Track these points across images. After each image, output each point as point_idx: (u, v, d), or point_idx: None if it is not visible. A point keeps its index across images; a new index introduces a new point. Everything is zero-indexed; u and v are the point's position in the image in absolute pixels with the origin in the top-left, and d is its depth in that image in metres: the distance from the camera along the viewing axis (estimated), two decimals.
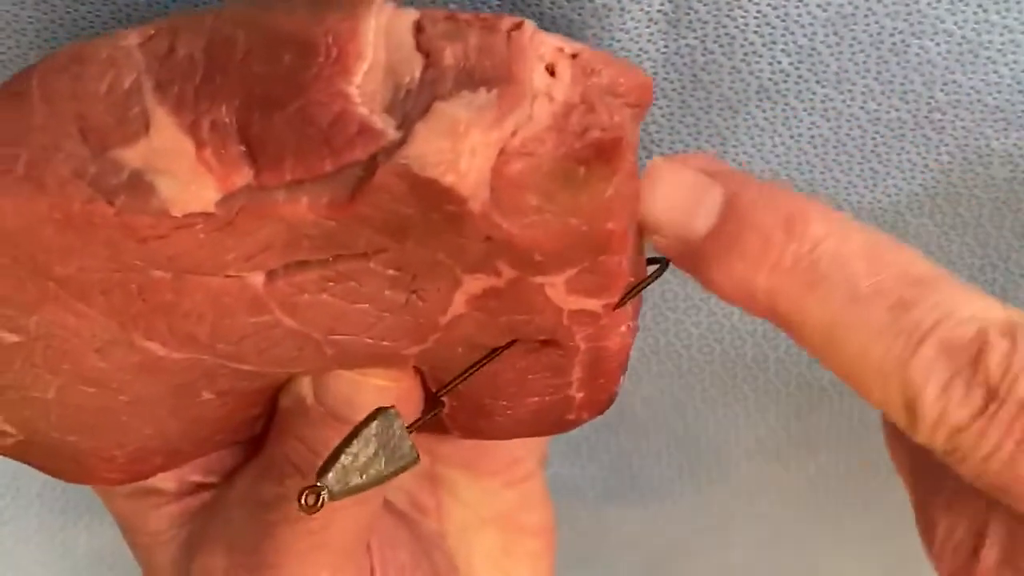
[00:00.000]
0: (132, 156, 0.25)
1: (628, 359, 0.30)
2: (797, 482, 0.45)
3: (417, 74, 0.24)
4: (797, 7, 0.31)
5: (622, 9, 0.31)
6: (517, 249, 0.25)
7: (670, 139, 0.34)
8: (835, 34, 0.32)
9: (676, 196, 0.27)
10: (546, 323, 0.28)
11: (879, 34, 0.32)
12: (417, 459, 0.27)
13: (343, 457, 0.26)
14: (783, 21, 0.31)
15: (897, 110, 0.33)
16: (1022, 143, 0.34)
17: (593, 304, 0.28)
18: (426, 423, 0.32)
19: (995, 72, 0.32)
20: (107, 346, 0.27)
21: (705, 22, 0.31)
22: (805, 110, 0.33)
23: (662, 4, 0.31)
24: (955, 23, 0.32)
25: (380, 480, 0.27)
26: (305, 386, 0.30)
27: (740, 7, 0.31)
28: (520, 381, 0.30)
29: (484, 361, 0.29)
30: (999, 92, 0.33)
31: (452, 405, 0.31)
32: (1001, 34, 0.32)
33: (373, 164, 0.24)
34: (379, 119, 0.24)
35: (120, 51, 0.25)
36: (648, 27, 0.31)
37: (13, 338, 0.27)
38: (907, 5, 0.31)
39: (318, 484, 0.26)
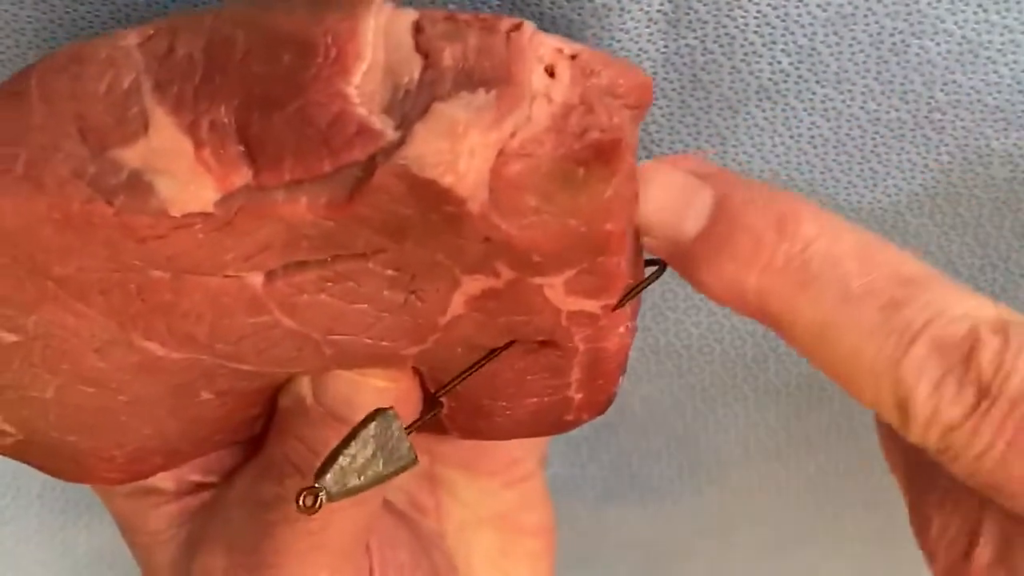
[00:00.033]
0: (131, 156, 0.25)
1: (627, 360, 0.30)
2: (797, 482, 0.45)
3: (416, 75, 0.24)
4: (797, 7, 0.31)
5: (622, 9, 0.31)
6: (516, 250, 0.25)
7: (670, 139, 0.34)
8: (835, 34, 0.32)
9: (666, 198, 0.27)
10: (545, 324, 0.28)
11: (879, 34, 0.32)
12: (415, 460, 0.27)
13: (341, 458, 0.26)
14: (783, 21, 0.31)
15: (897, 110, 0.33)
16: (1022, 143, 0.34)
17: (592, 305, 0.28)
18: (425, 423, 0.32)
19: (995, 72, 0.32)
20: (106, 346, 0.27)
21: (705, 22, 0.31)
22: (805, 110, 0.33)
23: (662, 4, 0.31)
24: (955, 23, 0.32)
25: (378, 481, 0.27)
26: (304, 386, 0.30)
27: (740, 7, 0.31)
28: (519, 382, 0.30)
29: (483, 362, 0.29)
30: (999, 92, 0.33)
31: (451, 406, 0.31)
32: (1001, 34, 0.32)
33: (372, 165, 0.24)
34: (378, 120, 0.24)
35: (119, 51, 0.25)
36: (648, 27, 0.31)
37: (12, 338, 0.27)
38: (907, 5, 0.31)
39: (316, 485, 0.26)
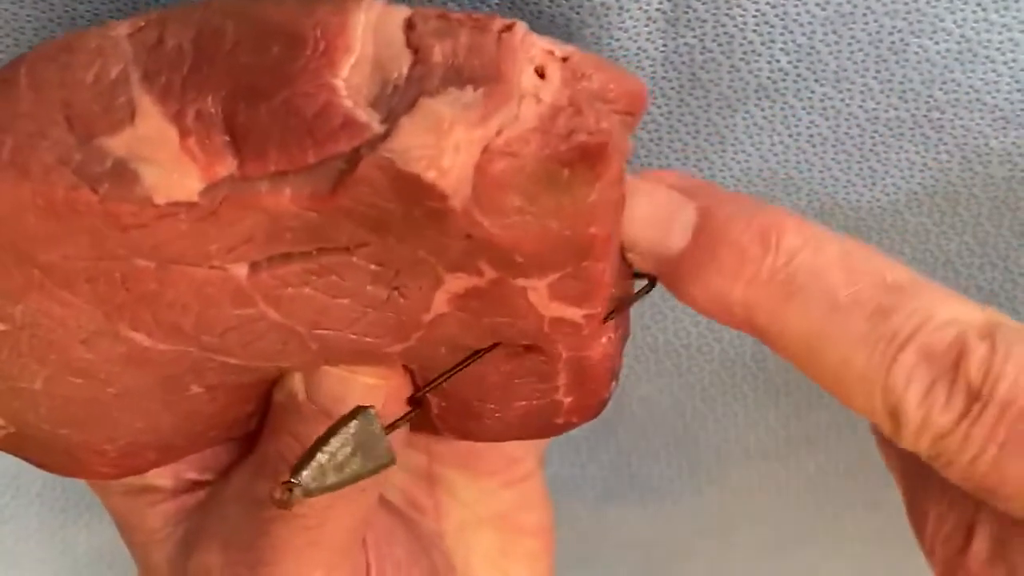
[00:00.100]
0: (117, 144, 0.25)
1: (618, 367, 0.30)
2: (797, 482, 0.45)
3: (405, 70, 0.25)
4: (796, 6, 0.31)
5: (621, 8, 0.31)
6: (498, 249, 0.25)
7: (669, 138, 0.34)
8: (834, 33, 0.32)
9: (651, 214, 0.28)
10: (528, 328, 0.28)
11: (878, 33, 0.32)
12: (394, 460, 0.27)
13: (320, 455, 0.26)
14: (782, 20, 0.31)
15: (896, 109, 0.33)
16: (1021, 142, 0.34)
17: (574, 313, 0.27)
18: (418, 424, 0.32)
19: (994, 71, 0.32)
20: (93, 336, 0.28)
21: (704, 21, 0.31)
22: (804, 109, 0.33)
23: (661, 3, 0.31)
24: (954, 22, 0.32)
25: (356, 479, 0.27)
26: (297, 383, 0.30)
27: (739, 6, 0.31)
28: (506, 384, 0.30)
29: (464, 363, 0.29)
30: (998, 91, 0.33)
31: (441, 406, 0.31)
32: (1000, 33, 0.32)
33: (356, 157, 0.24)
34: (363, 112, 0.24)
35: (109, 41, 0.25)
36: (647, 26, 0.31)
37: None
38: (906, 4, 0.31)
39: (292, 480, 0.26)
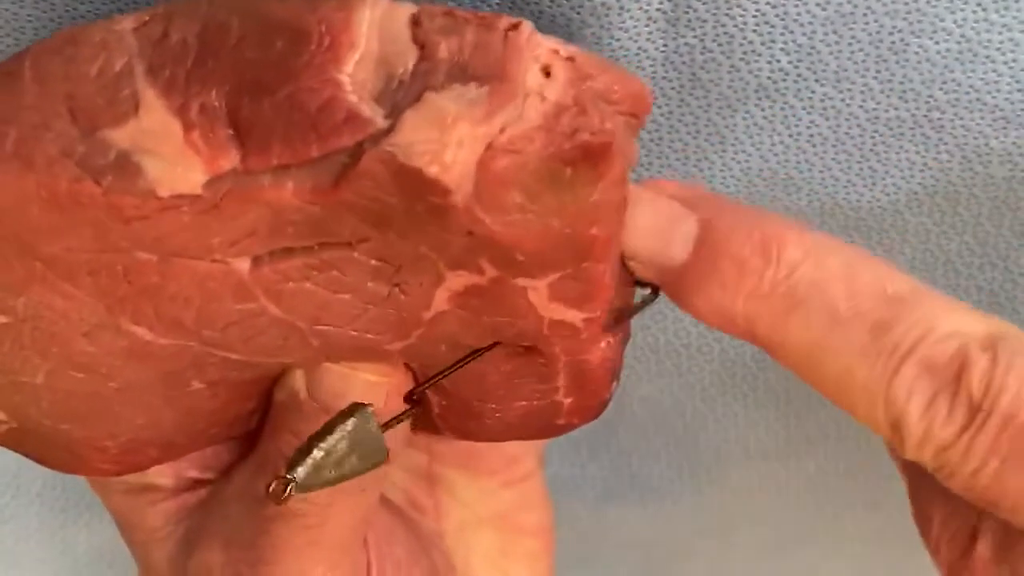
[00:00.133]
0: (120, 137, 0.25)
1: (618, 370, 0.30)
2: (797, 482, 0.45)
3: (410, 66, 0.25)
4: (796, 6, 0.31)
5: (621, 8, 0.31)
6: (499, 246, 0.25)
7: (669, 138, 0.34)
8: (834, 33, 0.32)
9: (652, 225, 0.28)
10: (528, 329, 0.28)
11: (878, 33, 0.32)
12: (388, 458, 0.27)
13: (315, 451, 0.26)
14: (782, 20, 0.31)
15: (896, 109, 0.33)
16: (1021, 142, 0.34)
17: (574, 316, 0.28)
18: (419, 423, 0.32)
19: (994, 71, 0.32)
20: (95, 330, 0.28)
21: (704, 21, 0.31)
22: (804, 109, 0.33)
23: (661, 3, 0.31)
24: (954, 22, 0.32)
25: (350, 476, 0.27)
26: (299, 380, 0.30)
27: (739, 6, 0.31)
28: (507, 385, 0.30)
29: (462, 362, 0.29)
30: (998, 91, 0.33)
31: (441, 405, 0.31)
32: (1000, 33, 0.32)
33: (359, 151, 0.24)
34: (367, 107, 0.24)
35: (113, 35, 0.25)
36: (647, 26, 0.31)
37: (1, 319, 0.27)
38: (906, 4, 0.31)
39: (288, 476, 0.26)
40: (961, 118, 0.33)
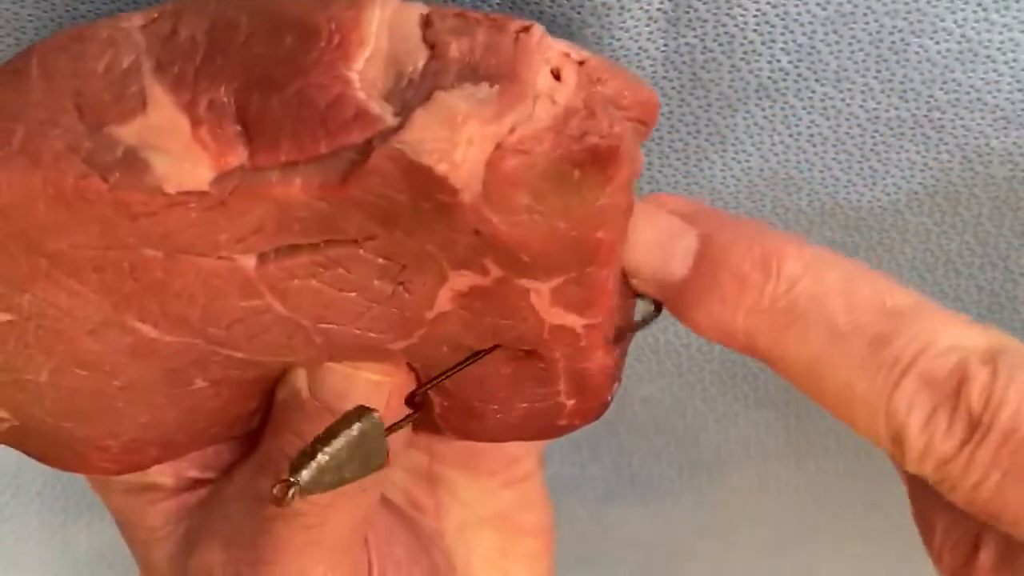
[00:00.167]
0: (128, 133, 0.25)
1: (618, 374, 0.30)
2: (797, 482, 0.45)
3: (420, 65, 0.25)
4: (796, 6, 0.31)
5: (622, 8, 0.31)
6: (504, 246, 0.25)
7: (670, 137, 0.34)
8: (834, 32, 0.32)
9: (652, 240, 0.28)
10: (529, 333, 0.28)
11: (879, 32, 0.32)
12: (388, 462, 0.27)
13: (320, 455, 0.26)
14: (782, 20, 0.31)
15: (896, 109, 0.33)
16: (1022, 142, 0.34)
17: (574, 322, 0.28)
18: (420, 423, 0.32)
19: (995, 71, 0.32)
20: (100, 327, 0.28)
21: (704, 20, 0.31)
22: (804, 108, 0.33)
23: (662, 3, 0.31)
24: (955, 21, 0.32)
25: (351, 480, 0.27)
26: (300, 380, 0.30)
27: (739, 5, 0.31)
28: (508, 386, 0.30)
29: (462, 364, 0.29)
30: (999, 91, 0.33)
31: (443, 405, 0.31)
32: (1001, 33, 0.32)
33: (368, 148, 0.24)
34: (376, 105, 0.24)
35: (120, 32, 0.26)
36: (648, 26, 0.31)
37: (5, 317, 0.27)
38: (907, 4, 0.31)
39: (291, 479, 0.26)
40: (962, 118, 0.33)
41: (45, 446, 0.30)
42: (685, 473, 0.45)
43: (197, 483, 0.33)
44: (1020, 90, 0.33)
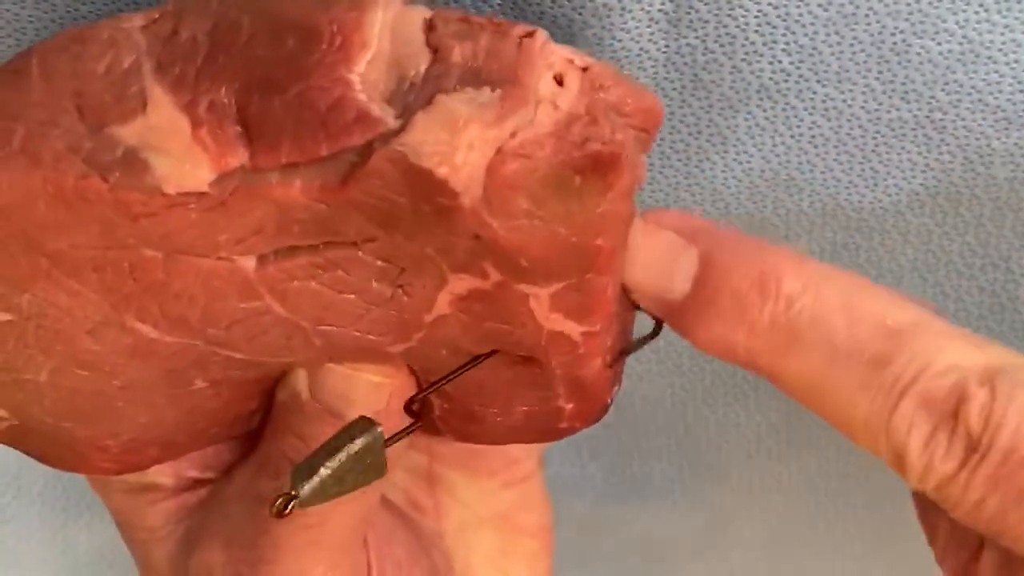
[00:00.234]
0: (128, 133, 0.25)
1: (619, 378, 0.30)
2: (797, 482, 0.45)
3: (423, 68, 0.25)
4: (798, 6, 0.31)
5: (623, 9, 0.31)
6: (504, 251, 0.25)
7: (671, 138, 0.34)
8: (836, 33, 0.32)
9: (652, 259, 0.28)
10: (527, 339, 0.28)
11: (880, 33, 0.32)
12: (386, 473, 0.27)
13: (322, 470, 0.26)
14: (784, 20, 0.31)
15: (898, 109, 0.33)
16: (1023, 143, 0.34)
17: (572, 329, 0.28)
18: (420, 425, 0.32)
19: (996, 72, 0.32)
20: (99, 327, 0.28)
21: (706, 21, 0.31)
22: (806, 109, 0.33)
23: (663, 4, 0.31)
24: (956, 23, 0.32)
25: (350, 490, 0.27)
26: (301, 381, 0.30)
27: (741, 6, 0.31)
28: (507, 390, 0.30)
29: (460, 370, 0.29)
30: (1000, 92, 0.33)
31: (443, 408, 0.31)
32: (1003, 34, 0.32)
33: (368, 150, 0.24)
34: (377, 107, 0.24)
35: (121, 32, 0.26)
36: (649, 27, 0.31)
37: (5, 316, 0.27)
38: (908, 5, 0.31)
39: (292, 493, 0.26)
40: (963, 119, 0.33)
41: (45, 446, 0.30)
42: (685, 473, 0.45)
43: (197, 483, 0.33)
44: (1022, 91, 0.33)
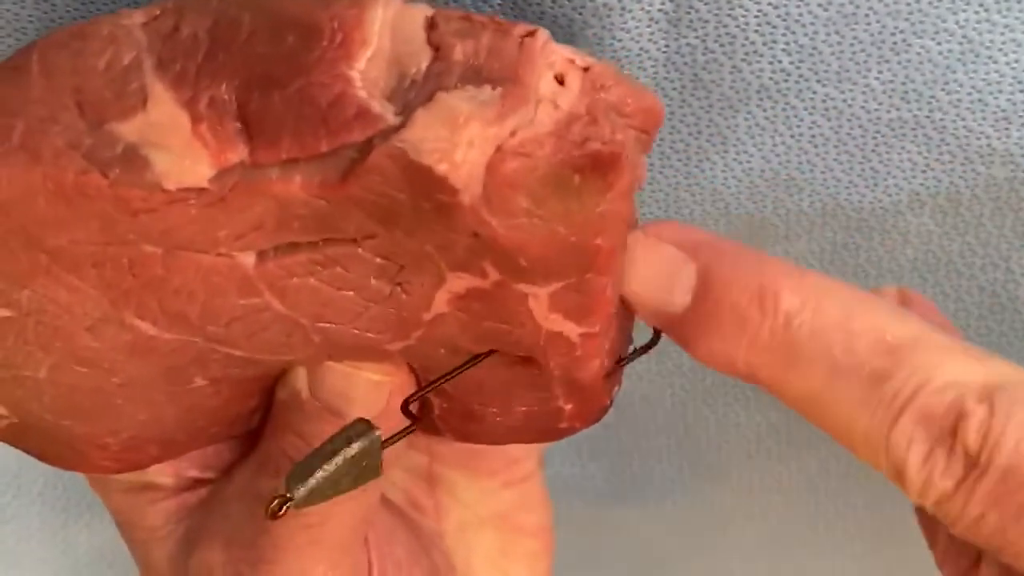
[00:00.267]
0: (128, 130, 0.25)
1: (619, 378, 0.30)
2: (797, 482, 0.45)
3: (424, 66, 0.25)
4: (798, 6, 0.31)
5: (623, 8, 0.31)
6: (502, 249, 0.25)
7: (671, 138, 0.34)
8: (836, 33, 0.32)
9: (651, 273, 0.28)
10: (525, 339, 0.28)
11: (880, 33, 0.32)
12: (381, 474, 0.27)
13: (319, 472, 0.26)
14: (784, 20, 0.31)
15: (898, 109, 0.33)
16: (1023, 142, 0.34)
17: (571, 329, 0.28)
18: (420, 424, 0.32)
19: (996, 72, 0.32)
20: (99, 324, 0.28)
21: (706, 21, 0.31)
22: (806, 109, 0.33)
23: (663, 3, 0.31)
24: (956, 22, 0.32)
25: (344, 492, 0.27)
26: (301, 379, 0.30)
27: (741, 6, 0.31)
28: (506, 390, 0.30)
29: (458, 370, 0.29)
30: (1000, 92, 0.33)
31: (442, 407, 0.31)
32: (1003, 34, 0.32)
33: (369, 146, 0.24)
34: (378, 104, 0.24)
35: (121, 29, 0.26)
36: (649, 26, 0.31)
37: (5, 312, 0.27)
38: (908, 4, 0.31)
39: (287, 495, 0.26)
40: (963, 119, 0.33)
41: (44, 444, 0.30)
42: (685, 473, 0.45)
43: (196, 482, 0.33)
44: (1021, 91, 0.33)
